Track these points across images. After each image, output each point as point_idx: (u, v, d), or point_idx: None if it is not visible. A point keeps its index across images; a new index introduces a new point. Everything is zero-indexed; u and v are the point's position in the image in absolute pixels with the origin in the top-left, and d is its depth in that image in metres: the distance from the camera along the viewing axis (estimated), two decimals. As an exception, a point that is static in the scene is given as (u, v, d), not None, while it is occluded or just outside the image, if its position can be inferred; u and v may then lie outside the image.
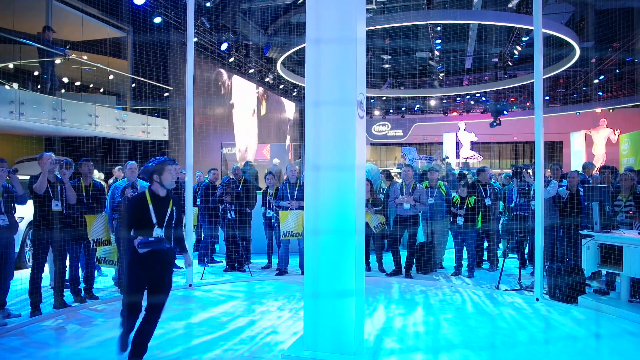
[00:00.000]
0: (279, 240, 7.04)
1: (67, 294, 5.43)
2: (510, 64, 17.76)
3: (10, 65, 10.11)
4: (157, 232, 3.62)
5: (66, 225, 5.17)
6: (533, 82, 5.83)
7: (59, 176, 5.17)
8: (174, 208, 3.76)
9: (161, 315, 3.64)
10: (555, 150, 24.98)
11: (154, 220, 3.62)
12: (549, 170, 7.42)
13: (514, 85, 21.37)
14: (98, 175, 8.18)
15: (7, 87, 8.98)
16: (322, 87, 3.95)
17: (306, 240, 3.97)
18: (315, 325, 3.90)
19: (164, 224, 3.66)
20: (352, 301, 3.82)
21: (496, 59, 19.19)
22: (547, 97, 23.27)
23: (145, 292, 3.62)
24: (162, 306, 3.66)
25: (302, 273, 6.70)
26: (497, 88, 21.72)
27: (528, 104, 24.24)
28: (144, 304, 3.60)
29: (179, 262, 6.79)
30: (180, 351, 4.03)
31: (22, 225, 6.68)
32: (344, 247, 3.83)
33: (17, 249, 6.54)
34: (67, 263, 5.42)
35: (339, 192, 3.84)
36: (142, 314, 3.59)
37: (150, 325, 3.60)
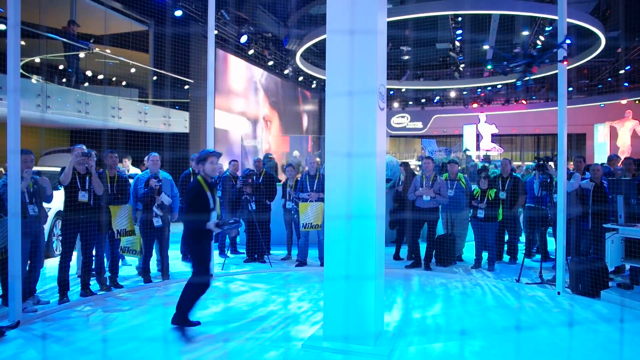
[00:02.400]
0: (299, 232, 7.10)
1: (93, 283, 5.58)
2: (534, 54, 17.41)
3: (37, 60, 10.35)
4: (213, 215, 4.20)
5: (92, 215, 5.31)
6: (556, 73, 5.73)
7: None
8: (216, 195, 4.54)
9: None
10: (578, 142, 24.47)
11: (211, 205, 4.22)
12: (571, 163, 7.30)
13: (536, 76, 20.95)
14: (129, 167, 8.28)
15: (33, 80, 9.20)
16: (342, 79, 3.96)
17: (326, 225, 4.03)
18: (335, 315, 3.95)
19: (213, 207, 4.25)
20: (372, 290, 3.85)
21: (518, 50, 18.83)
22: (570, 89, 22.77)
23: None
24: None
25: (322, 264, 6.76)
26: (519, 80, 21.32)
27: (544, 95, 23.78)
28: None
29: None
30: (203, 339, 4.12)
31: (50, 215, 6.87)
32: (364, 231, 3.86)
33: (45, 239, 6.76)
34: (94, 252, 5.57)
35: (359, 178, 3.87)
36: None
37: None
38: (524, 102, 25.32)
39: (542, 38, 15.25)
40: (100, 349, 3.91)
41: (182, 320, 4.24)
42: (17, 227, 4.35)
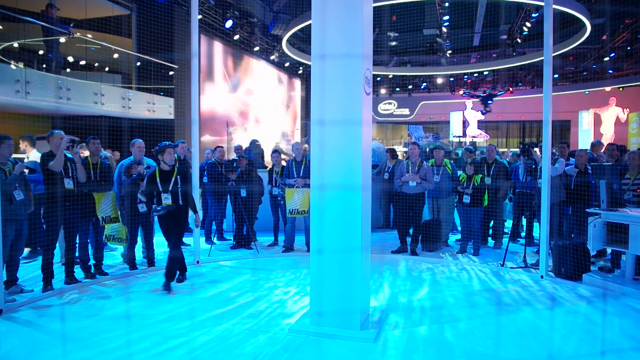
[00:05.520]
0: (285, 218, 7.09)
1: (78, 270, 5.52)
2: (520, 41, 17.46)
3: (15, 44, 10.08)
4: (165, 196, 5.06)
5: (76, 203, 5.23)
6: (542, 60, 5.75)
7: (69, 155, 5.20)
8: (178, 177, 5.15)
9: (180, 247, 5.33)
10: (563, 129, 24.76)
11: (161, 188, 5.10)
12: (555, 148, 7.37)
13: (522, 63, 21.07)
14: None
15: (12, 66, 8.98)
16: (327, 63, 3.92)
17: (312, 196, 4.04)
18: (321, 300, 3.97)
19: (169, 189, 5.07)
20: (359, 273, 3.87)
21: (505, 36, 18.89)
22: (556, 75, 22.95)
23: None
24: (181, 240, 5.51)
25: (309, 250, 6.76)
26: (506, 66, 21.44)
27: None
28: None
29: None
30: (191, 324, 4.11)
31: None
32: (350, 202, 3.87)
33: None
34: (77, 240, 5.50)
35: (344, 148, 3.88)
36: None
37: (179, 257, 5.25)
38: (509, 89, 25.48)
39: (528, 25, 15.29)
40: (84, 336, 3.88)
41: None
42: (-3, 214, 4.27)
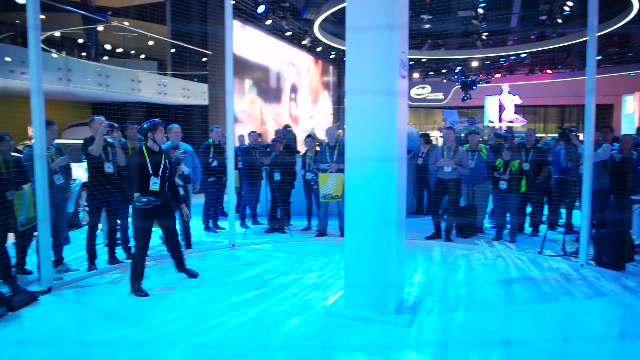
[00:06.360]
0: (319, 203, 7.13)
1: (119, 251, 5.73)
2: (560, 21, 16.75)
3: (57, 34, 10.39)
4: (154, 180, 4.51)
5: (117, 186, 5.40)
6: (583, 41, 5.50)
7: (109, 140, 5.36)
8: (166, 160, 4.67)
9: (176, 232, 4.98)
10: (604, 113, 23.74)
11: (150, 171, 4.50)
12: (598, 133, 7.09)
13: (562, 45, 20.25)
14: None
15: (54, 55, 9.26)
16: (363, 47, 3.88)
17: (347, 169, 4.05)
18: (356, 283, 3.99)
19: (159, 174, 4.55)
20: (394, 254, 3.85)
21: (544, 17, 18.15)
22: (599, 57, 21.96)
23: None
24: (175, 226, 4.96)
25: (342, 235, 6.78)
26: (545, 48, 20.67)
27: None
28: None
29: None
30: (229, 305, 4.21)
31: (76, 186, 7.03)
32: (385, 174, 3.84)
33: (71, 209, 6.93)
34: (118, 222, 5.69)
35: (379, 120, 3.85)
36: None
37: (176, 243, 4.95)
38: (548, 71, 24.60)
39: (570, 4, 14.63)
40: (127, 314, 4.04)
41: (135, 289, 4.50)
42: (45, 197, 4.46)
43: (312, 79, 21.42)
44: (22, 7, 4.55)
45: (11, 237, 4.84)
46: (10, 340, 3.49)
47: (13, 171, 4.73)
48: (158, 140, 4.62)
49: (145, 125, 4.60)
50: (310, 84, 21.20)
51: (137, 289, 4.46)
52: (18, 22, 8.03)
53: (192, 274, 5.00)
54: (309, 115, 20.54)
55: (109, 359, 3.25)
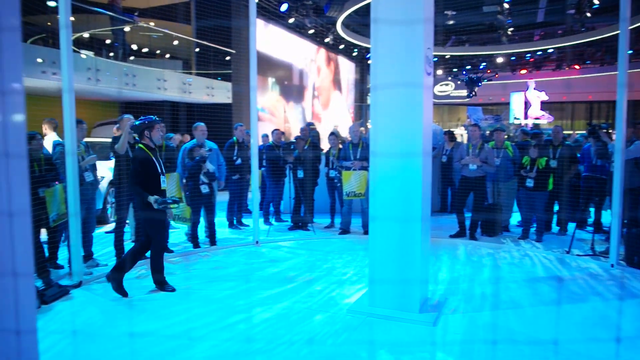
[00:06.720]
0: (342, 201, 7.13)
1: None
2: (589, 15, 16.31)
3: (86, 35, 10.66)
4: (163, 179, 4.40)
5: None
6: (614, 35, 5.34)
7: (137, 138, 5.46)
8: (160, 159, 4.49)
9: None
10: (635, 109, 23.02)
11: (159, 170, 4.38)
12: (631, 129, 6.89)
13: (591, 39, 19.73)
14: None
15: (83, 55, 9.50)
16: (388, 41, 3.86)
17: (371, 163, 4.03)
18: (380, 280, 3.98)
19: (164, 171, 4.47)
20: (418, 250, 3.82)
21: (573, 10, 17.70)
22: (630, 51, 21.31)
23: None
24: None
25: (365, 233, 6.78)
26: (573, 42, 20.17)
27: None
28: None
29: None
30: (253, 301, 4.26)
31: (104, 184, 7.20)
32: (410, 169, 3.82)
33: (100, 206, 7.10)
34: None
35: (404, 115, 3.82)
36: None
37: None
38: (576, 67, 24.00)
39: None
40: (154, 308, 4.12)
41: (161, 284, 4.51)
42: (76, 193, 4.58)
43: (334, 77, 21.40)
44: (53, 10, 4.68)
45: (43, 233, 4.99)
46: (44, 331, 3.61)
47: (44, 169, 4.87)
48: (155, 139, 4.48)
49: (137, 123, 4.42)
50: (332, 81, 21.18)
51: (163, 283, 4.50)
52: (49, 24, 8.26)
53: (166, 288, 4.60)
54: (330, 112, 20.53)
55: (141, 352, 3.32)
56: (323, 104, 19.71)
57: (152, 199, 4.27)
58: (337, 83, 21.72)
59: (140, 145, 4.40)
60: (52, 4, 7.57)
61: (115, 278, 4.33)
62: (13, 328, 1.47)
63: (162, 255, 4.57)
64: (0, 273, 1.42)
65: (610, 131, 6.29)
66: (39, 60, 8.02)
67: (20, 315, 1.49)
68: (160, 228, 4.50)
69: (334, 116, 20.59)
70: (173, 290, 4.50)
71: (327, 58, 20.47)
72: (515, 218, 7.72)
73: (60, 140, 5.34)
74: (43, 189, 4.72)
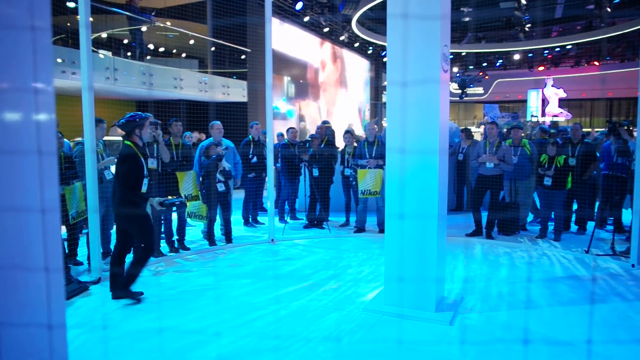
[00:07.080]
0: (357, 199, 7.12)
1: (163, 245, 5.91)
2: (609, 10, 15.98)
3: (104, 35, 10.80)
4: (145, 182, 4.18)
5: (161, 181, 5.58)
6: (634, 30, 5.23)
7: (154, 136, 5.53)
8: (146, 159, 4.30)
9: None
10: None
11: (145, 172, 4.18)
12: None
13: (611, 35, 19.34)
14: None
15: (100, 55, 9.63)
16: (405, 37, 3.85)
17: (387, 160, 4.01)
18: (396, 280, 3.96)
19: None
20: (434, 254, 3.81)
21: (592, 6, 17.37)
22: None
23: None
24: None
25: (380, 231, 6.77)
26: (592, 39, 19.81)
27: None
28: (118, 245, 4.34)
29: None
30: (269, 299, 4.29)
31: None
32: (427, 167, 3.81)
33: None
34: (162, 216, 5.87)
35: (420, 112, 3.81)
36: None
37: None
38: (596, 63, 23.58)
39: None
40: (173, 305, 4.17)
41: (125, 291, 4.21)
42: (95, 190, 4.66)
43: (347, 74, 21.34)
44: (73, 11, 4.76)
45: (63, 230, 5.09)
46: (65, 327, 3.67)
47: (65, 167, 4.96)
48: (144, 137, 4.31)
49: (124, 121, 4.21)
50: (347, 79, 21.13)
51: (129, 291, 4.19)
52: (69, 24, 8.39)
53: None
54: (343, 110, 20.49)
55: (159, 347, 3.37)
56: (330, 102, 19.64)
57: (155, 200, 4.23)
58: (350, 80, 21.64)
59: (128, 142, 4.16)
60: (71, 4, 7.70)
61: (120, 296, 4.20)
62: (45, 322, 1.51)
63: (146, 264, 4.27)
64: (32, 269, 1.46)
65: (631, 128, 6.17)
66: (59, 60, 8.16)
67: (51, 310, 1.53)
68: (152, 234, 4.28)
69: (345, 114, 20.53)
70: (138, 301, 4.20)
71: (333, 55, 20.41)
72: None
73: (80, 139, 5.44)
74: (63, 187, 4.81)
